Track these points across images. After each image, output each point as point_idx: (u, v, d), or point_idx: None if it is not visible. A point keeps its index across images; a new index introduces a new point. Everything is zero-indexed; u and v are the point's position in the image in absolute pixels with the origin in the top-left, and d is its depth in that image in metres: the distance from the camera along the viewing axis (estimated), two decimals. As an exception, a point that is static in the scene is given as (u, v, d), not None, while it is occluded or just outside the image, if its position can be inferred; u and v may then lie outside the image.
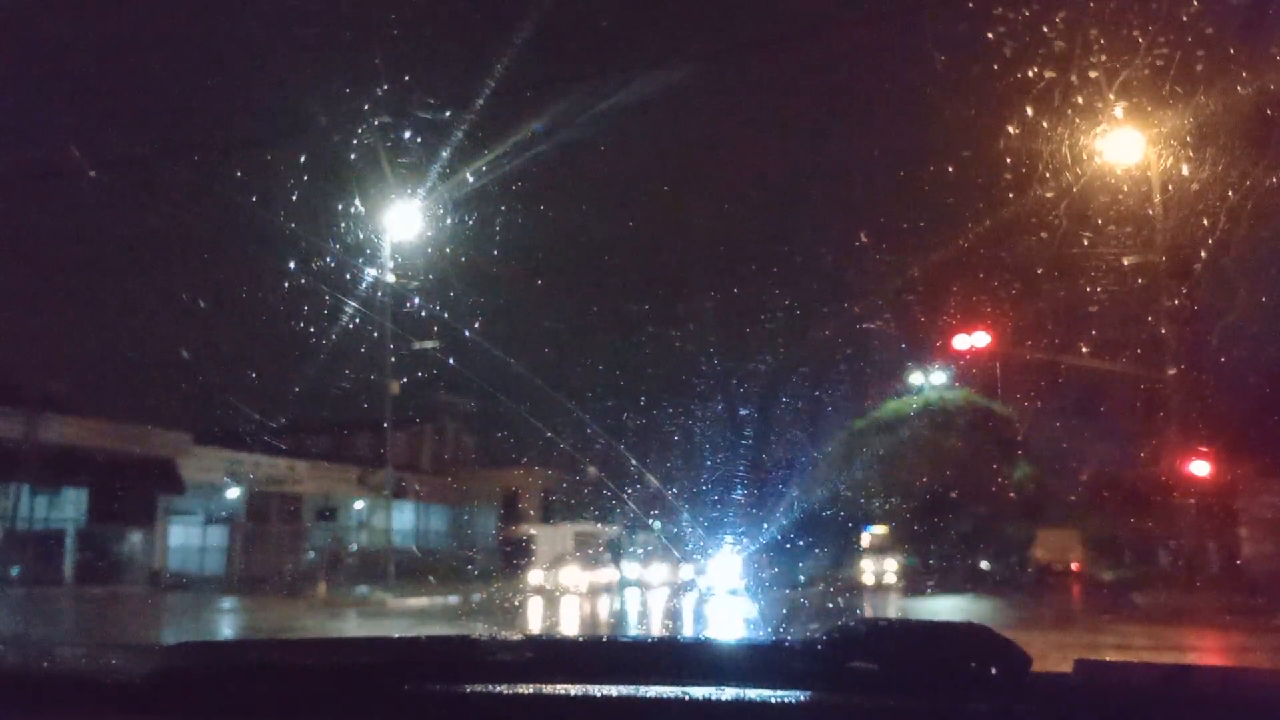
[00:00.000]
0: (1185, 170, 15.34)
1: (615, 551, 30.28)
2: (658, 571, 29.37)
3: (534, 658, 1.89)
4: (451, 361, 24.25)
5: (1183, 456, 20.38)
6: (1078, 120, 14.75)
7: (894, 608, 21.58)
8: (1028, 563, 39.35)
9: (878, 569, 34.31)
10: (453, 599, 22.27)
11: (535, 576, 27.47)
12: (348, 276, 21.82)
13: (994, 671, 1.58)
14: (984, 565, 36.46)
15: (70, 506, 25.40)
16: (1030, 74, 13.98)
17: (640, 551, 30.46)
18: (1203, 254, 17.36)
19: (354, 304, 21.51)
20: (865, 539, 36.48)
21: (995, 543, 33.95)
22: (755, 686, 1.62)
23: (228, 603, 21.55)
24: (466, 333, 21.84)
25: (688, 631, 16.51)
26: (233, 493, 29.65)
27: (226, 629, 16.92)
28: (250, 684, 1.81)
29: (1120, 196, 16.55)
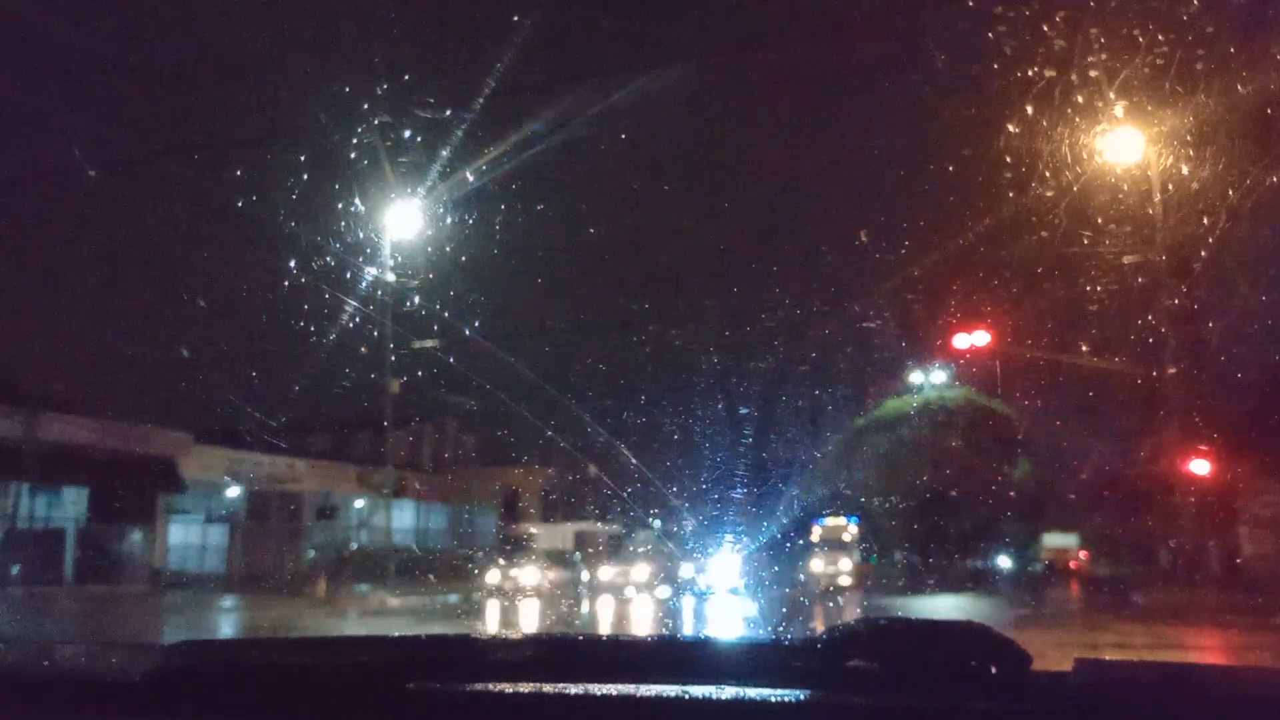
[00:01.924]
0: (1185, 169, 15.34)
1: (594, 549, 29.32)
2: (645, 571, 28.02)
3: (534, 657, 1.89)
4: (451, 360, 24.25)
5: (1183, 455, 20.40)
6: (1078, 119, 14.75)
7: (896, 606, 21.56)
8: (1027, 561, 39.25)
9: (830, 569, 30.84)
10: (453, 598, 22.30)
11: (493, 576, 25.95)
12: (348, 275, 21.83)
13: (993, 670, 1.58)
14: (983, 564, 36.35)
15: (70, 505, 25.40)
16: (1030, 73, 13.99)
17: (637, 550, 29.69)
18: (1203, 253, 17.38)
19: (354, 303, 21.52)
20: (816, 532, 33.05)
21: (995, 541, 33.80)
22: (755, 685, 1.63)
23: (228, 601, 21.57)
24: (467, 331, 21.87)
25: (686, 630, 16.51)
26: (233, 491, 29.66)
27: (227, 628, 16.93)
28: (251, 683, 1.81)
29: (1120, 195, 16.56)
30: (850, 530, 33.17)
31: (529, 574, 26.03)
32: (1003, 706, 1.56)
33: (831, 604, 21.98)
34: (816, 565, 30.84)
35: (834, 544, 32.16)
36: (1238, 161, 14.16)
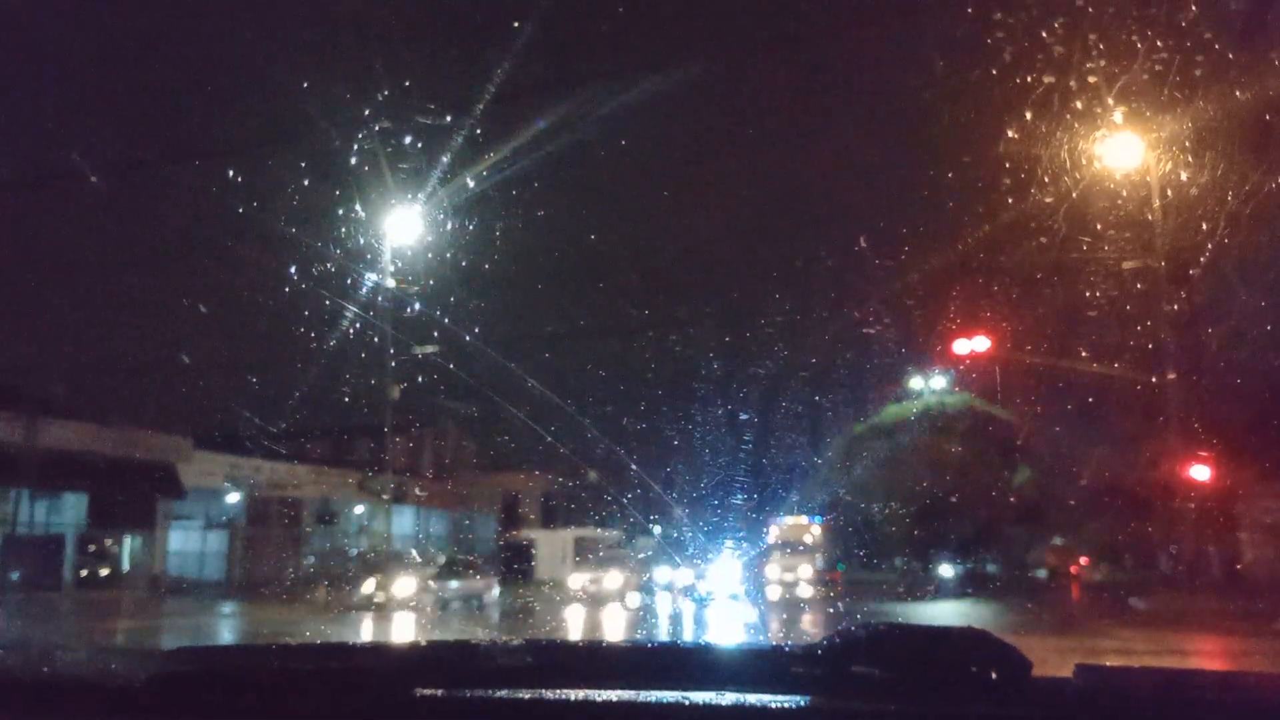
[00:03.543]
0: (1184, 175, 15.37)
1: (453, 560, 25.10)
2: (619, 578, 25.58)
3: (536, 663, 1.89)
4: (452, 367, 24.25)
5: (1183, 461, 20.36)
6: (1077, 126, 14.79)
7: (896, 612, 21.49)
8: (1028, 567, 39.13)
9: (787, 575, 26.79)
10: (454, 603, 22.29)
11: (368, 586, 22.71)
12: (349, 282, 21.88)
13: (993, 676, 1.59)
14: (984, 569, 36.23)
15: (70, 511, 25.39)
16: (1030, 80, 14.02)
17: (637, 556, 28.20)
18: (1201, 259, 17.40)
19: (355, 309, 21.56)
20: (773, 533, 29.11)
21: (996, 547, 33.71)
22: (756, 691, 1.62)
23: (228, 607, 21.55)
24: (467, 338, 21.89)
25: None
26: (233, 497, 29.64)
27: (227, 634, 16.92)
28: (254, 690, 1.81)
29: (1119, 202, 16.60)
30: (813, 531, 29.54)
31: (403, 585, 22.07)
32: (1004, 712, 1.56)
33: (832, 609, 21.89)
34: (771, 571, 27.01)
35: (793, 546, 28.40)
36: (1236, 168, 14.18)
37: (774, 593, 25.20)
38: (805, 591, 25.81)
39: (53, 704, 1.82)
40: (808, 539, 29.10)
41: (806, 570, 28.05)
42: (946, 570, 32.41)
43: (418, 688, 1.75)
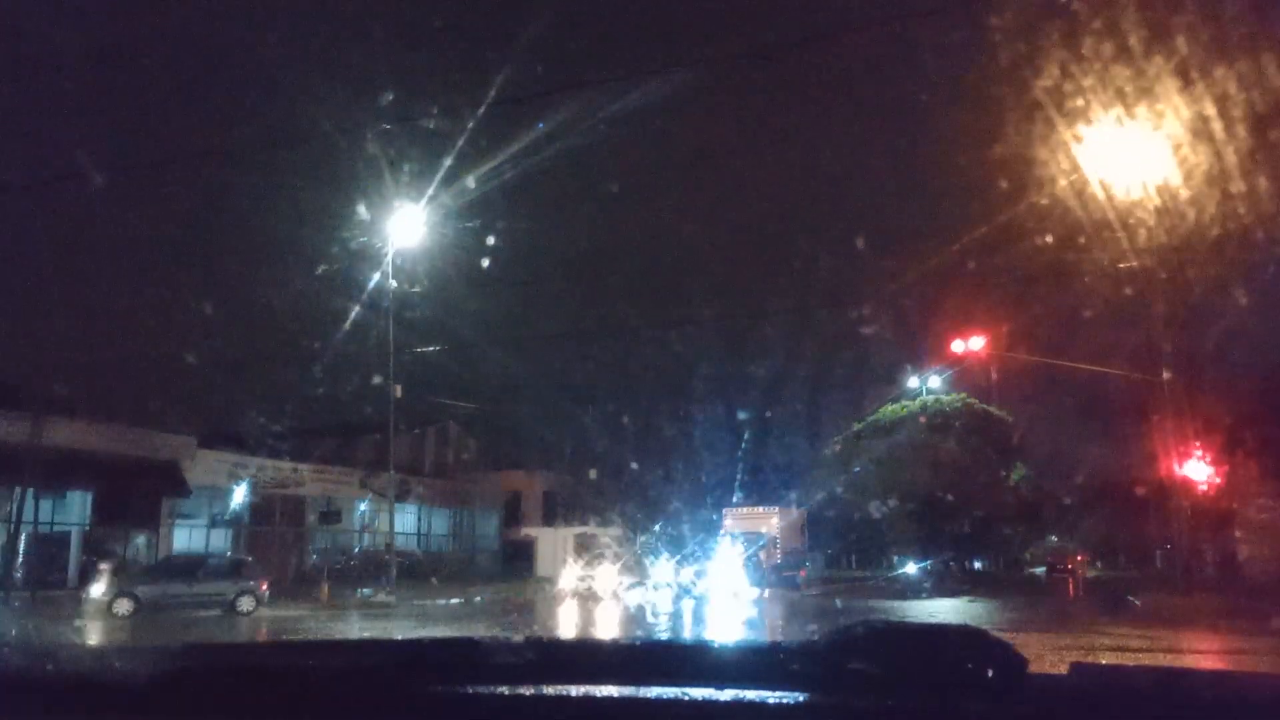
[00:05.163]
0: (1179, 177, 15.42)
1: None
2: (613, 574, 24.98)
3: (536, 659, 1.90)
4: (455, 366, 24.28)
5: (1179, 460, 20.43)
6: (1072, 128, 14.84)
7: (894, 610, 21.53)
8: (1024, 565, 39.17)
9: (737, 569, 24.66)
10: (454, 601, 22.34)
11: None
12: (352, 282, 21.94)
13: (989, 673, 1.61)
14: (980, 567, 36.23)
15: (75, 510, 25.41)
16: (1026, 83, 14.05)
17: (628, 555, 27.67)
18: (1197, 260, 17.45)
19: (359, 309, 21.62)
20: (727, 522, 26.93)
21: (992, 545, 33.72)
22: (754, 688, 1.64)
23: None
24: (470, 337, 21.92)
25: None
26: (237, 496, 29.65)
27: (231, 631, 16.94)
28: (261, 686, 1.83)
29: (1115, 203, 16.65)
30: (771, 521, 27.07)
31: (96, 587, 19.14)
32: (999, 709, 1.59)
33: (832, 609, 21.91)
34: (715, 565, 24.86)
35: (748, 538, 26.00)
36: (1230, 168, 14.24)
37: (718, 589, 23.25)
38: (751, 593, 23.97)
39: (60, 702, 1.80)
40: (764, 529, 26.40)
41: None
42: (954, 567, 32.40)
43: (416, 684, 1.76)
